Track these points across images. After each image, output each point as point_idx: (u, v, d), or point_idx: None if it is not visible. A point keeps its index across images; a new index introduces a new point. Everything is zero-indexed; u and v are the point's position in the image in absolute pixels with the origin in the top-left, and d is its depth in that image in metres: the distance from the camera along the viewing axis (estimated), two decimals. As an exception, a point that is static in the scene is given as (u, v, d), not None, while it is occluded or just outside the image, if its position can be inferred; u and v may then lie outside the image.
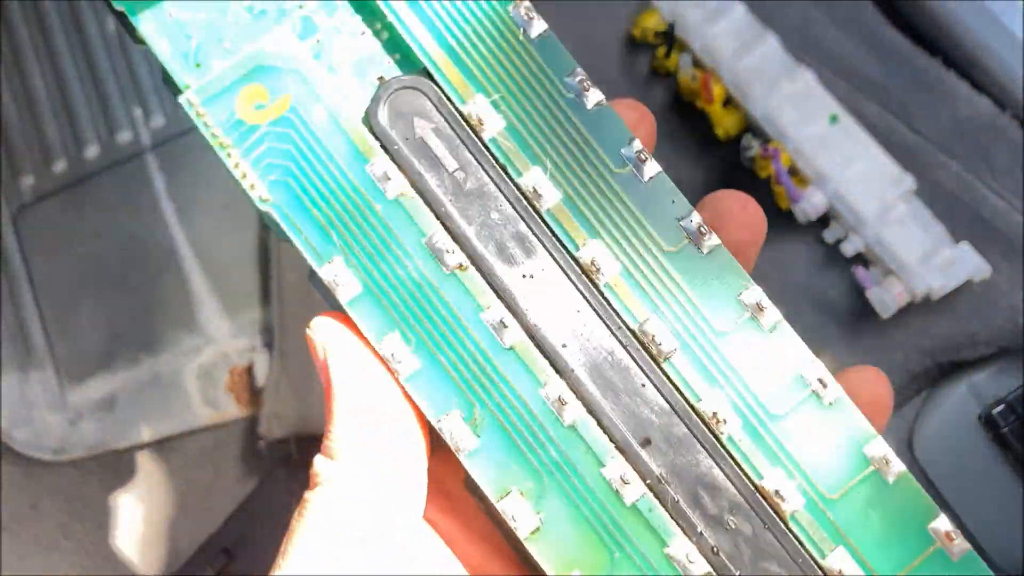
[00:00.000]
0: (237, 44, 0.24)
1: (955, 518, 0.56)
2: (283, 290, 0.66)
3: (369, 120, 0.24)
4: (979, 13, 0.54)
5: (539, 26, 0.24)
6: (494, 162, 0.24)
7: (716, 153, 0.62)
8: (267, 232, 0.67)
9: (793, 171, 0.56)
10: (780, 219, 0.58)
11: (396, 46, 0.24)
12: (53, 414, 0.66)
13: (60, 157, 0.71)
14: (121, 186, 0.70)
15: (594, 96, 0.24)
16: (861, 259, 0.55)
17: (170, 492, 0.67)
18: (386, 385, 0.23)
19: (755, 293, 0.24)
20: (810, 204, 0.54)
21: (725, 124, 0.59)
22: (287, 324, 0.66)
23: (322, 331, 0.24)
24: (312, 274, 0.25)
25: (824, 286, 0.57)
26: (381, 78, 0.24)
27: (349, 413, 0.23)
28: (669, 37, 0.59)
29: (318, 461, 0.23)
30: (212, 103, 0.24)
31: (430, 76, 0.24)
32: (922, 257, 0.53)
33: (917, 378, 0.57)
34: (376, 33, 0.25)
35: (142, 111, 0.70)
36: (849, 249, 0.54)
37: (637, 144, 0.25)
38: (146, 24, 0.25)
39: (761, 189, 0.59)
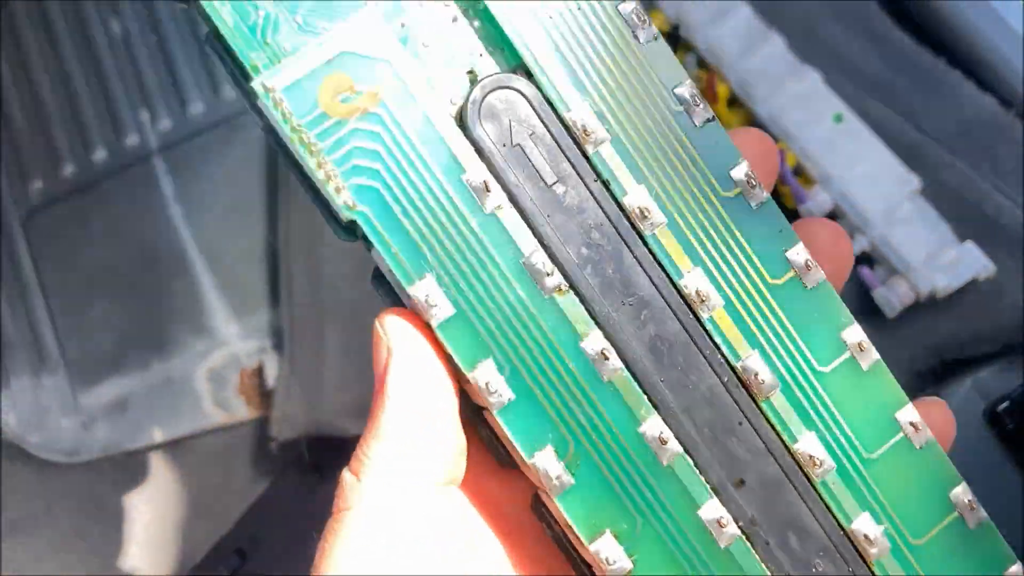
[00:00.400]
0: (312, 21, 0.21)
1: (961, 514, 0.57)
2: (292, 292, 0.66)
3: (464, 122, 0.22)
4: (984, 12, 0.55)
5: (649, 31, 0.22)
6: (596, 177, 0.22)
7: (721, 152, 0.62)
8: (275, 234, 0.67)
9: (798, 171, 0.56)
10: (786, 218, 0.58)
11: (492, 38, 0.22)
12: (66, 417, 0.67)
13: (68, 161, 0.71)
14: (129, 190, 0.70)
15: (704, 112, 0.22)
16: (867, 258, 0.56)
17: (183, 493, 0.68)
18: (445, 408, 0.22)
19: (856, 332, 0.24)
20: (816, 204, 0.55)
21: (730, 123, 0.59)
22: (296, 326, 0.66)
23: (393, 330, 0.22)
24: (378, 278, 0.23)
25: (830, 285, 0.58)
26: (472, 73, 0.22)
27: (395, 433, 0.21)
28: (673, 38, 0.59)
29: (347, 480, 0.21)
30: (293, 94, 0.21)
31: (529, 75, 0.22)
32: (927, 256, 0.53)
33: (922, 376, 0.58)
34: (470, 21, 0.22)
35: (149, 114, 0.70)
36: (855, 248, 0.55)
37: (746, 167, 0.23)
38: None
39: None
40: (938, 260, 0.53)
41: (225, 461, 0.67)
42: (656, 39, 0.22)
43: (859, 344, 0.24)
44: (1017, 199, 0.54)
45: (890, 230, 0.53)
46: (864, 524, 0.23)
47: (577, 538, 0.22)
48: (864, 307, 0.57)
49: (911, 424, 0.24)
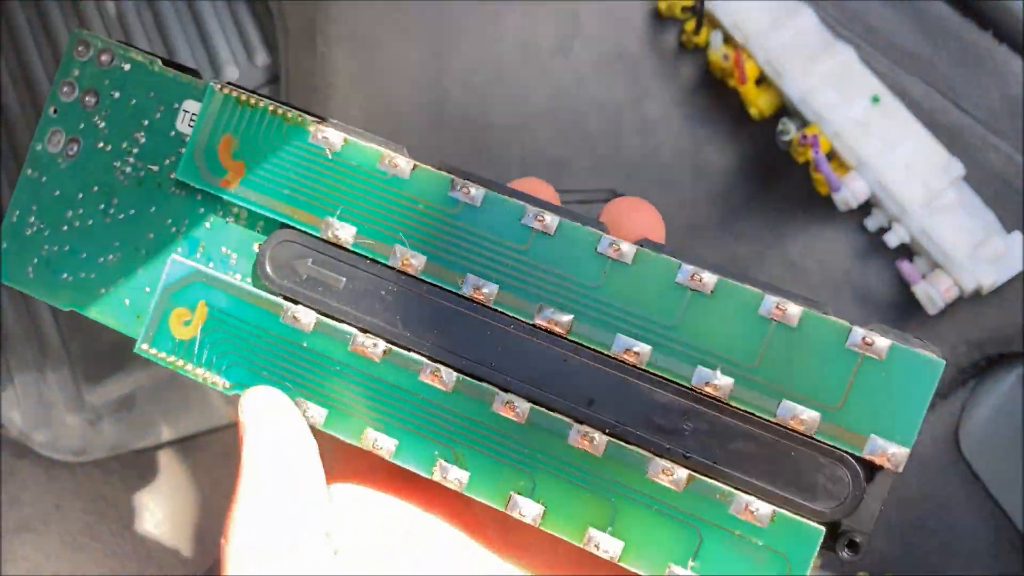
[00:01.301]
0: (152, 284, 0.29)
1: (1001, 512, 0.54)
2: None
3: (262, 283, 0.28)
4: (1034, -18, 0.51)
5: (336, 140, 0.28)
6: (365, 259, 0.28)
7: (749, 133, 0.59)
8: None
9: (832, 155, 0.53)
10: (819, 206, 0.55)
11: (254, 218, 0.29)
12: (72, 415, 0.65)
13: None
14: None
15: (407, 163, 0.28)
16: (906, 249, 0.52)
17: (195, 491, 0.66)
18: (298, 457, 0.26)
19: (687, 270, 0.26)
20: (851, 192, 0.51)
21: (759, 104, 0.56)
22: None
23: (246, 407, 0.27)
24: None
25: (866, 276, 0.54)
26: (258, 245, 0.29)
27: (254, 497, 0.25)
28: (698, 12, 0.56)
29: (221, 545, 0.25)
30: (158, 341, 0.29)
31: (288, 225, 0.28)
32: (971, 249, 0.50)
33: (964, 371, 0.55)
34: (236, 218, 0.29)
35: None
36: (893, 240, 0.51)
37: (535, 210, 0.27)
38: (93, 312, 0.30)
39: (798, 174, 0.56)
40: (983, 252, 0.49)
41: (236, 459, 0.65)
42: (347, 142, 0.28)
43: (698, 277, 0.26)
44: (1068, 184, 0.51)
45: (931, 220, 0.50)
46: (702, 375, 0.25)
47: (495, 508, 0.27)
48: (902, 299, 0.54)
49: (777, 310, 0.25)
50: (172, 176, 0.29)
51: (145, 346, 0.29)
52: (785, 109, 0.55)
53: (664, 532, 0.25)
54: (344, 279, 0.28)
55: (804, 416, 0.24)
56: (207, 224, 0.29)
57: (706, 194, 0.59)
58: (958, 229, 0.50)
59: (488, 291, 0.27)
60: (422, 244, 0.27)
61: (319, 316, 0.28)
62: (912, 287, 0.50)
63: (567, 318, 0.26)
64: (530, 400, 0.26)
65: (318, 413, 0.28)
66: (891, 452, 0.24)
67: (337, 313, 0.28)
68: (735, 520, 0.25)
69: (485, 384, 0.27)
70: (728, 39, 0.56)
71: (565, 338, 0.26)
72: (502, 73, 0.59)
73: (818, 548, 0.25)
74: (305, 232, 0.28)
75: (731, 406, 0.25)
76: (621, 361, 0.26)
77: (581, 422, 0.26)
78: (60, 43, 0.69)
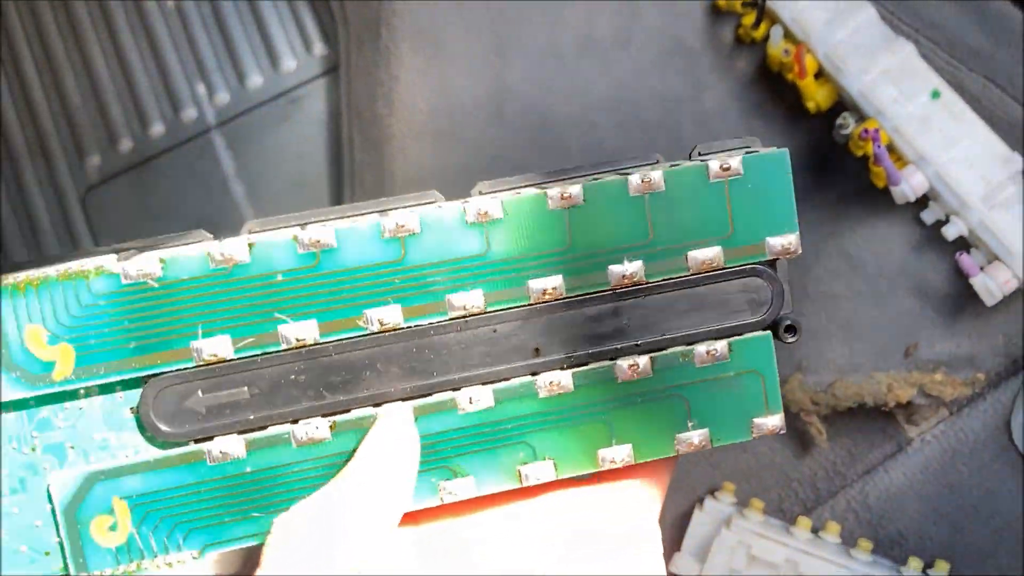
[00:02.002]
0: (41, 517, 0.26)
1: (1053, 503, 0.56)
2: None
3: (163, 442, 0.26)
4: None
5: (152, 266, 0.25)
6: (255, 358, 0.26)
7: (805, 127, 0.60)
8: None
9: (891, 149, 0.54)
10: (875, 198, 0.56)
11: (108, 387, 0.26)
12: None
13: (125, 136, 0.70)
14: (188, 165, 0.68)
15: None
16: (963, 242, 0.53)
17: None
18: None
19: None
20: (909, 185, 0.52)
21: (817, 98, 0.56)
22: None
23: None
24: None
25: (922, 268, 0.55)
26: (132, 408, 0.27)
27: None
28: (759, 6, 0.56)
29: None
30: (95, 561, 0.26)
31: (155, 375, 0.26)
32: (1030, 242, 0.51)
33: (1016, 361, 0.56)
34: (88, 396, 0.26)
35: (205, 88, 0.69)
36: (951, 232, 0.52)
37: None
38: None
39: (853, 167, 0.57)
40: (1042, 246, 0.50)
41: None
42: (172, 264, 0.27)
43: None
44: (1125, 179, 0.52)
45: (990, 214, 0.51)
46: (694, 259, 0.27)
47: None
48: (957, 291, 0.55)
49: (643, 183, 0.27)
50: None
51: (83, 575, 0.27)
52: (843, 103, 0.56)
53: (656, 413, 0.28)
54: (246, 388, 0.26)
55: (709, 255, 0.27)
56: (59, 423, 0.26)
57: (761, 186, 0.60)
58: (1017, 223, 0.51)
59: (392, 315, 0.26)
60: (304, 311, 0.26)
61: (244, 436, 0.26)
62: (971, 279, 0.51)
63: (476, 296, 0.27)
64: (485, 383, 0.27)
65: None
66: (786, 242, 0.28)
67: (260, 423, 0.27)
68: (704, 369, 0.28)
69: (439, 396, 0.27)
70: (787, 34, 0.56)
71: (485, 313, 0.27)
72: (563, 66, 0.60)
73: (773, 349, 0.28)
74: (173, 372, 0.26)
75: (650, 283, 0.27)
76: (543, 302, 0.27)
77: (539, 373, 0.27)
78: (119, 34, 0.70)
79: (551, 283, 0.27)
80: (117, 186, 0.70)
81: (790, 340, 0.28)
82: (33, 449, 0.26)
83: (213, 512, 0.27)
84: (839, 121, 0.55)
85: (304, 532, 0.24)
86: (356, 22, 0.61)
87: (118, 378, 0.26)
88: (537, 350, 0.27)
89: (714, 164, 0.27)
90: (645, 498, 0.29)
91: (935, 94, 0.53)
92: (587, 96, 0.60)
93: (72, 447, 0.26)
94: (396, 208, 0.27)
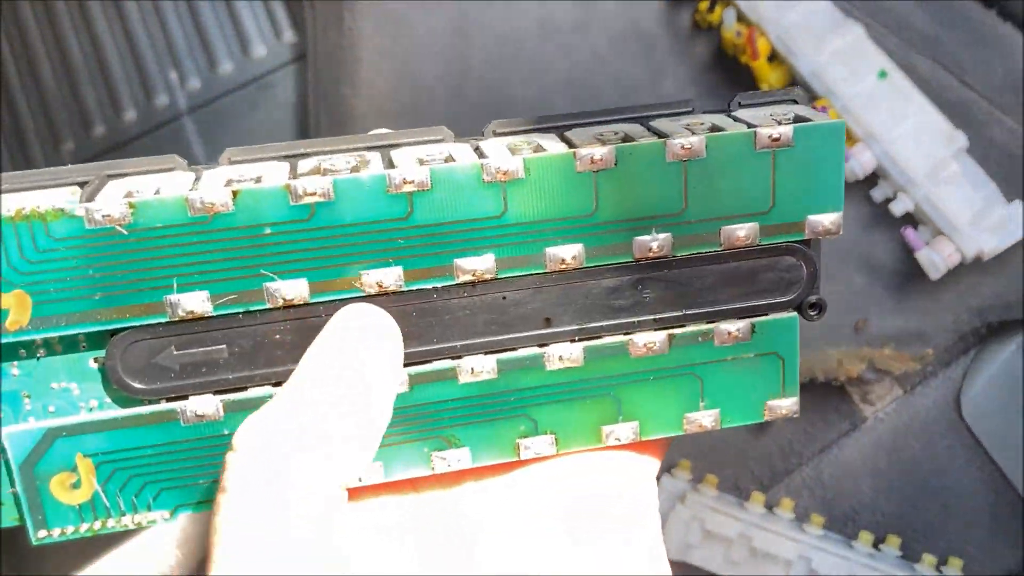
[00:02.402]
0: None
1: (1003, 479, 0.56)
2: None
3: (132, 399, 0.24)
4: (1037, -38, 0.53)
5: (121, 210, 0.23)
6: (236, 315, 0.24)
7: (760, 110, 0.61)
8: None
9: (841, 129, 0.55)
10: (827, 178, 0.57)
11: (70, 339, 0.24)
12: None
13: (98, 122, 0.71)
14: (159, 150, 0.69)
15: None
16: (910, 219, 0.54)
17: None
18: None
19: None
20: (858, 163, 0.53)
21: (770, 80, 0.58)
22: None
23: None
24: None
25: (871, 246, 0.56)
26: (95, 359, 0.24)
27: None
28: (713, -9, 0.58)
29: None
30: (55, 520, 0.25)
31: (123, 329, 0.24)
32: (973, 217, 0.52)
33: (964, 337, 0.57)
34: (48, 348, 0.24)
35: (177, 74, 0.70)
36: (898, 208, 0.53)
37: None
38: None
39: (807, 147, 0.58)
40: (984, 220, 0.51)
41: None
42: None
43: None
44: (1068, 157, 0.53)
45: (935, 190, 0.52)
46: (727, 235, 0.25)
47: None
48: (906, 268, 0.56)
49: (683, 150, 0.25)
50: None
51: (43, 532, 0.24)
52: (796, 85, 0.57)
53: (668, 392, 0.26)
54: (224, 346, 0.24)
55: (744, 232, 0.25)
56: (14, 372, 0.24)
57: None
58: (961, 198, 0.52)
59: (392, 277, 0.24)
60: (294, 268, 0.24)
61: (222, 397, 0.24)
62: (915, 253, 0.52)
63: (488, 260, 0.24)
64: (490, 352, 0.25)
65: None
66: (829, 222, 0.25)
67: (239, 383, 0.24)
68: (724, 349, 0.26)
69: (439, 363, 0.25)
70: (741, 17, 0.58)
71: (496, 279, 0.25)
72: (522, 48, 0.61)
73: (798, 331, 0.27)
74: (148, 326, 0.24)
75: (677, 257, 0.25)
76: (560, 271, 0.25)
77: (548, 344, 0.26)
78: (93, 20, 0.71)
79: (571, 252, 0.25)
80: (90, 171, 0.71)
81: (814, 316, 0.27)
82: None
83: (187, 474, 0.25)
84: (790, 101, 0.56)
85: (254, 506, 0.21)
86: (322, 5, 0.62)
87: (81, 331, 0.23)
88: (548, 320, 0.25)
89: (763, 132, 0.24)
90: (644, 468, 0.28)
91: (882, 74, 0.54)
92: (546, 79, 0.61)
93: (28, 396, 0.24)
94: (399, 143, 0.25)
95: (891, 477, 0.57)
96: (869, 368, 0.56)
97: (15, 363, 0.24)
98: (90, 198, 0.23)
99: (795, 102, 0.27)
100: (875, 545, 0.56)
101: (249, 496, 0.21)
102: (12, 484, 0.24)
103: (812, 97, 0.56)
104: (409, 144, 0.25)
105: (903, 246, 0.55)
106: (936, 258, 0.52)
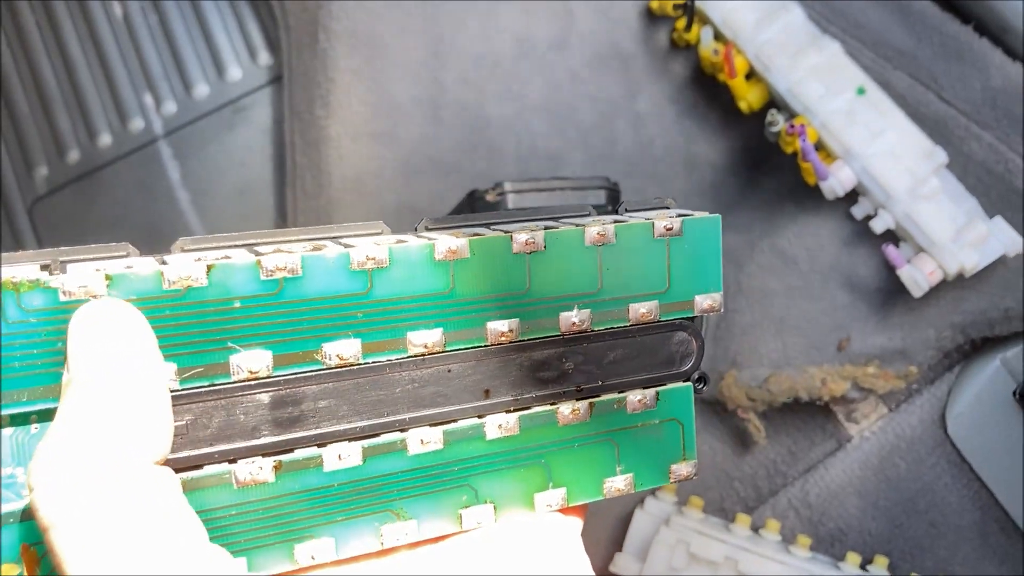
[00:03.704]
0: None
1: (990, 496, 0.56)
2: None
3: None
4: (1012, -23, 0.52)
5: (96, 284, 0.23)
6: (200, 389, 0.24)
7: (740, 127, 0.60)
8: (284, 218, 0.66)
9: (819, 145, 0.54)
10: (807, 196, 0.57)
11: (22, 417, 0.23)
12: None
13: (73, 147, 0.70)
14: (135, 175, 0.69)
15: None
16: (891, 235, 0.54)
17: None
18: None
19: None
20: (837, 180, 0.53)
21: (748, 98, 0.57)
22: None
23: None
24: None
25: (853, 263, 0.56)
26: None
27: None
28: (689, 9, 0.57)
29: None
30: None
31: None
32: (955, 233, 0.51)
33: (949, 355, 0.56)
34: None
35: (152, 98, 0.69)
36: (879, 225, 0.53)
37: None
38: None
39: (787, 164, 0.57)
40: (966, 237, 0.51)
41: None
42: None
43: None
44: (1047, 171, 0.52)
45: (915, 206, 0.52)
46: (634, 311, 0.29)
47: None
48: (888, 285, 0.55)
49: (599, 236, 0.28)
50: None
51: None
52: (774, 103, 0.57)
53: (590, 458, 0.29)
54: (186, 421, 0.24)
55: (647, 308, 0.29)
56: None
57: (698, 186, 0.61)
58: (942, 214, 0.51)
59: (351, 350, 0.25)
60: (259, 340, 0.24)
61: (179, 476, 0.24)
62: (897, 271, 0.52)
63: (437, 334, 0.26)
64: (435, 424, 0.27)
65: (238, 564, 0.23)
66: (712, 301, 0.30)
67: (196, 461, 0.24)
68: (634, 416, 0.29)
69: (389, 436, 0.26)
70: (718, 35, 0.57)
71: (444, 352, 0.27)
72: (499, 68, 0.60)
73: (693, 400, 0.30)
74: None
75: (594, 331, 0.28)
76: (499, 344, 0.27)
77: (486, 415, 0.28)
78: (67, 44, 0.70)
79: (508, 325, 0.27)
80: (64, 197, 0.70)
81: (700, 388, 0.31)
82: None
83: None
84: (768, 118, 0.55)
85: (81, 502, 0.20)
86: (296, 26, 0.62)
87: (39, 407, 0.23)
88: (487, 392, 0.28)
89: (659, 224, 0.29)
90: (570, 527, 0.29)
91: (860, 91, 0.54)
92: (523, 98, 0.60)
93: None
94: (343, 236, 0.27)
95: (877, 496, 0.57)
96: (853, 387, 0.55)
97: None
98: (55, 271, 0.23)
99: (667, 208, 0.31)
100: (863, 566, 0.56)
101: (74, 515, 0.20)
102: None
103: (791, 115, 0.55)
104: (352, 236, 0.27)
105: (885, 263, 0.54)
106: (918, 276, 0.51)
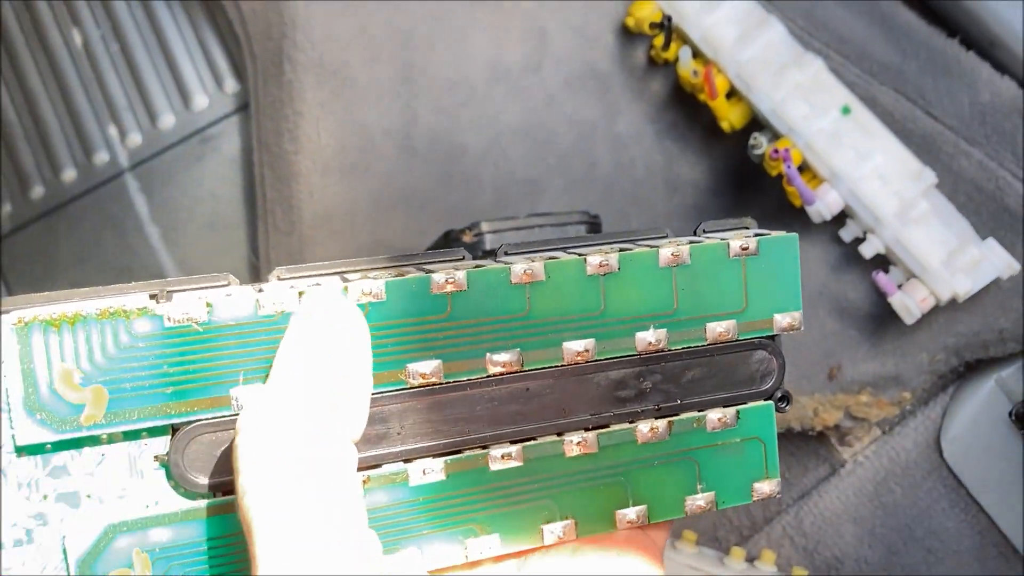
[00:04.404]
0: (55, 566, 0.25)
1: (988, 520, 0.55)
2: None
3: (193, 492, 0.25)
4: (1000, -11, 0.51)
5: (198, 310, 0.25)
6: None
7: (721, 147, 0.59)
8: (256, 253, 0.64)
9: (804, 167, 0.53)
10: (793, 218, 0.55)
11: (133, 433, 0.25)
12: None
13: (36, 183, 0.68)
14: (102, 210, 0.67)
15: None
16: (881, 260, 0.52)
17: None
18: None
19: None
20: (824, 204, 0.51)
21: (730, 117, 0.55)
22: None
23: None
24: None
25: (843, 288, 0.54)
26: (156, 456, 0.25)
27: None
28: (666, 28, 0.55)
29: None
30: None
31: (188, 422, 0.25)
32: (946, 257, 0.50)
33: (943, 377, 0.55)
34: (110, 442, 0.25)
35: (117, 130, 0.67)
36: (868, 251, 0.51)
37: None
38: None
39: (772, 186, 0.56)
40: (958, 260, 0.49)
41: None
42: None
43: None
44: (1040, 189, 0.51)
45: (905, 231, 0.50)
46: (711, 331, 0.29)
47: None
48: (879, 310, 0.54)
49: (673, 256, 0.29)
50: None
51: None
52: (756, 122, 0.55)
53: (671, 477, 0.29)
54: None
55: (724, 327, 0.29)
56: (75, 470, 0.24)
57: (680, 208, 0.59)
58: (932, 238, 0.50)
59: (432, 370, 0.27)
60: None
61: None
62: (889, 298, 0.50)
63: (515, 354, 0.27)
64: (516, 441, 0.28)
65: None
66: (791, 320, 0.30)
67: None
68: (715, 434, 0.30)
69: (471, 452, 0.27)
70: (697, 54, 0.55)
71: (522, 371, 0.28)
72: (472, 94, 0.58)
73: (775, 418, 0.30)
74: (213, 419, 0.25)
75: (671, 351, 0.29)
76: (575, 363, 0.28)
77: (564, 433, 0.28)
78: (26, 76, 0.68)
79: (584, 345, 0.28)
80: (30, 234, 0.68)
81: (783, 408, 0.31)
82: (45, 497, 0.24)
83: (243, 568, 0.25)
84: (751, 141, 0.54)
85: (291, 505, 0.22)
86: (261, 55, 0.59)
87: (149, 424, 0.24)
88: (565, 410, 0.28)
89: (735, 244, 0.29)
90: (655, 540, 0.30)
91: (845, 110, 0.52)
92: (498, 124, 0.58)
93: (88, 496, 0.25)
94: (423, 263, 0.28)
95: (873, 523, 0.55)
96: (846, 416, 0.54)
97: (78, 462, 0.24)
98: (163, 299, 0.25)
99: (747, 228, 0.31)
100: (860, 596, 0.55)
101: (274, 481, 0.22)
102: None
103: (774, 136, 0.54)
104: (433, 262, 0.28)
105: (874, 287, 0.53)
106: (910, 303, 0.50)
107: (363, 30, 0.57)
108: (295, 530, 0.21)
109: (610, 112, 0.59)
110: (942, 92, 0.52)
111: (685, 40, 0.56)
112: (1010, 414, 0.54)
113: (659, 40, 0.57)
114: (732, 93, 0.55)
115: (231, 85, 0.66)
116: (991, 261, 0.50)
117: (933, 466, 0.55)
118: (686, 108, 0.59)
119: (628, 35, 0.59)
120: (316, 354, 0.24)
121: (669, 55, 0.57)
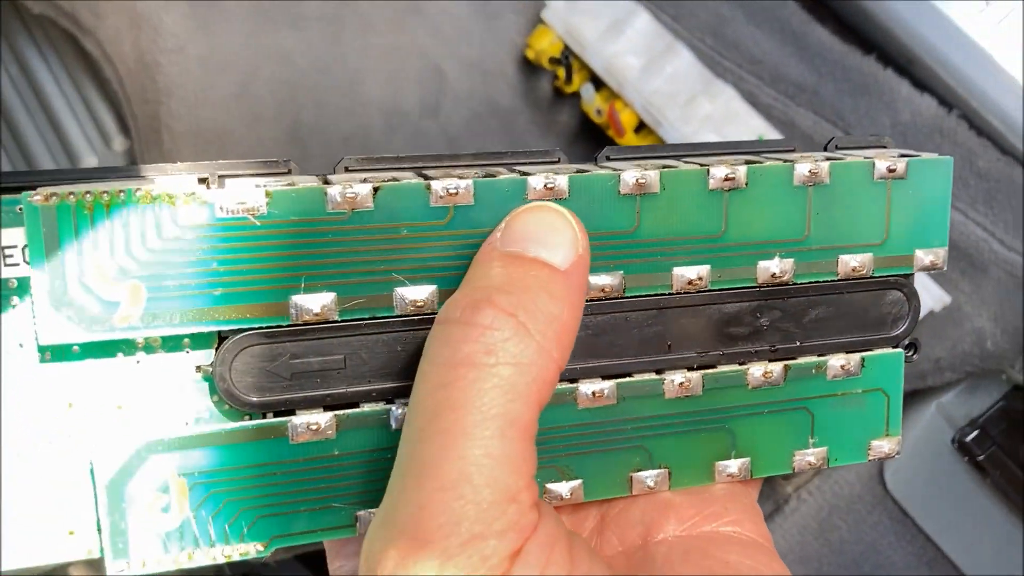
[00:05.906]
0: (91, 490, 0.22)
1: (936, 550, 0.53)
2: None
3: (238, 411, 0.22)
4: (917, 4, 0.47)
5: (257, 199, 0.21)
6: (360, 322, 0.22)
7: (638, 178, 0.56)
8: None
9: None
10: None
11: (175, 340, 0.22)
12: None
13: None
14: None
15: None
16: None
17: None
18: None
19: None
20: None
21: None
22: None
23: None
24: None
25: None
26: (199, 367, 0.22)
27: None
28: (566, 62, 0.52)
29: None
30: (138, 549, 0.22)
31: (236, 331, 0.22)
32: (873, 295, 0.47)
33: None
34: (148, 350, 0.22)
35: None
36: (792, 290, 0.49)
37: None
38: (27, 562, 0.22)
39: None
40: (885, 298, 0.47)
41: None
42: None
43: None
44: (968, 212, 0.48)
45: (829, 269, 0.47)
46: (844, 263, 0.25)
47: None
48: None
49: (810, 173, 0.25)
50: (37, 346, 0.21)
51: (122, 564, 0.21)
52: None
53: (780, 427, 0.26)
54: (342, 355, 0.22)
55: (859, 261, 0.25)
56: (106, 378, 0.22)
57: (601, 246, 0.56)
58: (857, 277, 0.47)
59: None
60: (424, 273, 0.22)
61: (335, 413, 0.22)
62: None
63: (617, 277, 0.24)
64: (609, 377, 0.24)
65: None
66: (935, 257, 0.26)
67: (353, 398, 0.23)
68: (835, 383, 0.26)
69: (558, 386, 0.23)
70: (601, 86, 0.52)
71: (622, 297, 0.24)
72: (368, 143, 0.55)
73: (903, 368, 0.26)
74: (266, 328, 0.22)
75: (796, 284, 0.25)
76: (685, 292, 0.24)
77: (665, 371, 0.25)
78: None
79: (697, 272, 0.24)
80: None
81: (912, 357, 0.27)
82: (71, 405, 0.21)
83: (288, 499, 0.22)
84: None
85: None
86: (142, 120, 0.55)
87: (191, 329, 0.21)
88: (669, 345, 0.25)
89: (881, 164, 0.25)
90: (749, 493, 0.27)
91: (761, 140, 0.49)
92: (399, 176, 0.55)
93: (120, 408, 0.22)
94: (514, 163, 0.24)
95: (820, 563, 0.54)
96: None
97: (110, 369, 0.21)
98: (214, 185, 0.21)
99: (885, 147, 0.27)
100: (810, 638, 0.53)
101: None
102: (96, 510, 0.21)
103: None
104: (527, 164, 0.25)
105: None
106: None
107: (244, 89, 0.53)
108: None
109: (517, 148, 0.56)
110: (861, 113, 0.49)
111: (588, 71, 0.52)
112: (953, 440, 0.52)
113: (561, 72, 0.53)
114: (641, 127, 0.52)
115: (120, 143, 0.62)
116: (929, 292, 0.47)
117: (877, 499, 0.53)
118: (597, 140, 0.55)
119: (530, 66, 0.55)
120: (575, 312, 0.21)
121: (573, 87, 0.53)
